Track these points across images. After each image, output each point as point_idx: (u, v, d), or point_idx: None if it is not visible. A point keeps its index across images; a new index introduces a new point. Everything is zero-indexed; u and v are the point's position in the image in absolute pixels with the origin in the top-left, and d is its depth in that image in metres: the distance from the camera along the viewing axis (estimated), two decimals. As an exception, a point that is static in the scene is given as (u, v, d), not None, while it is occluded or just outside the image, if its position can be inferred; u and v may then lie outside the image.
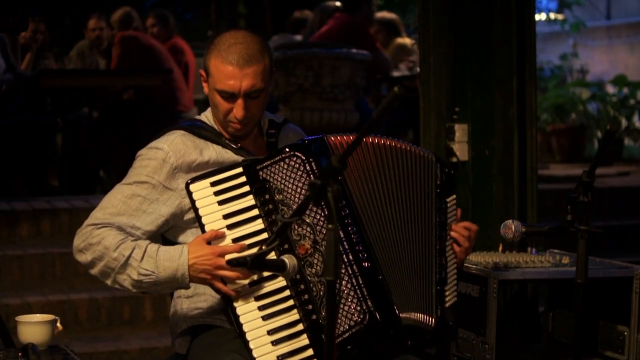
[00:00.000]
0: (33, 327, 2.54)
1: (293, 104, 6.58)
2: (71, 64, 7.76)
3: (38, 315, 2.63)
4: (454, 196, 2.75)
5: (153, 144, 2.67)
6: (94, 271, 2.58)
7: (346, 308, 2.42)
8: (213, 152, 2.67)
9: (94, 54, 7.88)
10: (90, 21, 7.90)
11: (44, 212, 5.55)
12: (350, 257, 2.46)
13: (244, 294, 2.48)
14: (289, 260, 2.37)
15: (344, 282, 2.44)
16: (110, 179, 7.35)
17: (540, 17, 12.59)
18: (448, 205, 2.72)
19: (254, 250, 2.44)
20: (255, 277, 2.48)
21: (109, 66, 7.71)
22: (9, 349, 2.66)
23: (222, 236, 2.49)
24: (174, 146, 2.63)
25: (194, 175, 2.57)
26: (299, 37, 8.10)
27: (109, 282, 2.57)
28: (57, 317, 2.60)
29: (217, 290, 2.52)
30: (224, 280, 2.47)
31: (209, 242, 2.49)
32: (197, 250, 2.48)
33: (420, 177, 2.66)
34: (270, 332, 2.44)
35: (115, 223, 2.57)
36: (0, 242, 5.34)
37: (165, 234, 2.72)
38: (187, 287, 2.57)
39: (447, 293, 2.65)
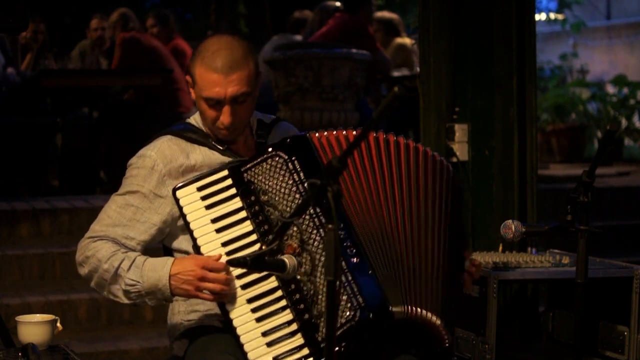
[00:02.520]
0: (33, 327, 2.54)
1: (293, 104, 6.57)
2: (72, 63, 7.76)
3: (38, 315, 2.63)
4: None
5: (141, 152, 2.69)
6: (92, 284, 2.64)
7: None
8: (200, 155, 2.68)
9: (95, 54, 7.88)
10: (93, 21, 7.91)
11: (44, 212, 5.55)
12: None
13: (236, 296, 2.48)
14: (288, 260, 2.37)
15: None
16: (110, 179, 7.35)
17: (540, 17, 12.59)
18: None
19: (245, 253, 2.46)
20: (245, 280, 2.48)
21: (111, 66, 7.71)
22: (9, 349, 2.66)
23: (217, 259, 2.48)
24: (160, 152, 2.65)
25: (182, 180, 2.60)
26: (299, 37, 8.10)
27: (105, 293, 2.62)
28: (57, 317, 2.60)
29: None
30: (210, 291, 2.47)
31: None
32: (182, 262, 2.51)
33: (443, 188, 2.64)
34: (265, 334, 2.44)
35: (110, 235, 2.62)
36: (0, 242, 5.34)
37: (164, 241, 2.74)
38: (170, 300, 2.59)
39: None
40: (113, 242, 2.60)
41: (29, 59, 7.48)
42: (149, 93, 7.37)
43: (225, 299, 2.47)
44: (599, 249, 4.05)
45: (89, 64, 7.77)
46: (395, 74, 7.52)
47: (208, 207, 2.53)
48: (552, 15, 12.89)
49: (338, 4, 7.85)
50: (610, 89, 11.06)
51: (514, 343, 4.18)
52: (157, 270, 2.52)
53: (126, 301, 2.59)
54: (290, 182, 2.50)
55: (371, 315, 2.42)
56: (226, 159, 2.66)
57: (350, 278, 2.43)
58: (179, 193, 2.55)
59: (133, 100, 7.50)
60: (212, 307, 2.64)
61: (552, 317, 3.89)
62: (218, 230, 2.51)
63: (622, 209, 6.78)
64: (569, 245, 3.52)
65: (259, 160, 2.54)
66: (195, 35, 10.60)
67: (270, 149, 2.55)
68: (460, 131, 4.23)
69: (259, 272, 2.45)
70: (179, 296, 2.56)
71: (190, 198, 2.54)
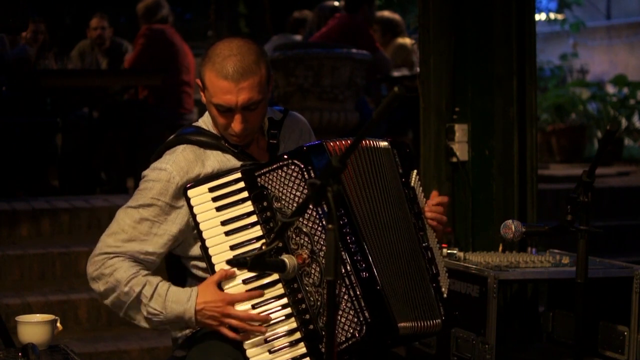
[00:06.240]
0: (33, 327, 2.54)
1: (293, 104, 6.57)
2: (72, 63, 7.76)
3: (38, 315, 2.63)
4: (415, 171, 2.71)
5: (156, 164, 2.64)
6: (107, 302, 2.61)
7: (343, 319, 2.40)
8: (215, 161, 2.64)
9: (95, 54, 7.87)
10: (93, 20, 7.89)
11: (44, 212, 5.55)
12: (349, 267, 2.43)
13: (242, 304, 2.48)
14: (288, 260, 2.37)
15: (341, 293, 2.42)
16: (110, 180, 7.34)
17: (540, 17, 12.58)
18: (414, 187, 2.68)
19: None
20: (251, 285, 2.48)
21: (110, 66, 7.70)
22: (9, 349, 2.66)
23: (232, 276, 2.48)
24: (176, 165, 2.60)
25: None
26: (298, 37, 8.10)
27: (121, 314, 2.61)
28: (57, 317, 2.60)
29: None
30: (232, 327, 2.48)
31: (219, 284, 2.49)
32: (207, 295, 2.49)
33: (388, 172, 2.62)
34: (267, 341, 2.45)
35: (128, 252, 2.57)
36: (0, 242, 5.34)
37: (174, 250, 2.69)
38: (195, 329, 2.60)
39: (441, 284, 2.64)
40: (130, 259, 2.57)
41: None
42: (158, 92, 7.34)
43: (246, 338, 2.46)
44: (599, 249, 4.05)
45: (89, 64, 7.76)
46: (395, 74, 7.51)
47: (219, 208, 2.52)
48: (552, 15, 12.88)
49: (337, 3, 7.85)
50: (610, 89, 11.05)
51: (514, 343, 4.18)
52: (182, 303, 2.50)
53: (146, 326, 2.58)
54: (306, 191, 2.47)
55: (376, 332, 2.42)
56: (241, 163, 2.64)
57: (358, 292, 2.42)
58: (190, 193, 2.53)
59: (134, 99, 7.49)
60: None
61: (552, 317, 3.89)
62: (227, 233, 2.50)
63: (622, 209, 6.77)
64: (569, 245, 3.52)
65: (274, 166, 2.51)
66: (195, 35, 10.61)
67: (286, 156, 2.51)
68: (460, 131, 4.23)
69: (260, 271, 2.45)
70: (202, 327, 2.56)
71: (201, 198, 2.52)
